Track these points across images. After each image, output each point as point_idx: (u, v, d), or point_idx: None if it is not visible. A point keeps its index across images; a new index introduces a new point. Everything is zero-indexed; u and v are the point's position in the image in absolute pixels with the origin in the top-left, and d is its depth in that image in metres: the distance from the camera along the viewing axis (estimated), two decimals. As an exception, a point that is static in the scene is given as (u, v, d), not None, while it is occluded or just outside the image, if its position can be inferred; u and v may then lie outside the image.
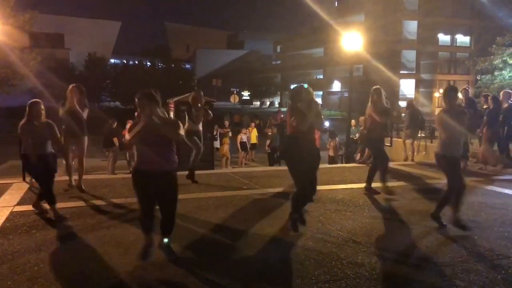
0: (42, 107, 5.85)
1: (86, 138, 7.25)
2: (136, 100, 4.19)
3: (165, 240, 4.42)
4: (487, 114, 10.05)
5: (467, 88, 11.57)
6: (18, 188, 7.27)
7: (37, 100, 5.92)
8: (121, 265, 4.25)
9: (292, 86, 6.98)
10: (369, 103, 7.26)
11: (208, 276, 4.11)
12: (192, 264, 4.35)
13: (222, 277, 4.10)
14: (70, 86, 7.13)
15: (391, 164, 10.44)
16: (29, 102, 5.85)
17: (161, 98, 4.33)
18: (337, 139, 15.51)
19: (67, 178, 7.30)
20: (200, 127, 7.87)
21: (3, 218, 5.65)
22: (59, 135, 6.06)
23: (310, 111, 5.18)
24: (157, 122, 4.14)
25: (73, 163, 7.39)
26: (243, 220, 5.75)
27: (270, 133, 17.38)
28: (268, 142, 17.22)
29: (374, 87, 7.37)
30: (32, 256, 4.47)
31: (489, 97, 10.39)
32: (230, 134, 18.21)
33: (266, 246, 4.85)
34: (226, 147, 17.27)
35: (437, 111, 5.72)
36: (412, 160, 11.35)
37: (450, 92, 5.51)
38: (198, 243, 4.96)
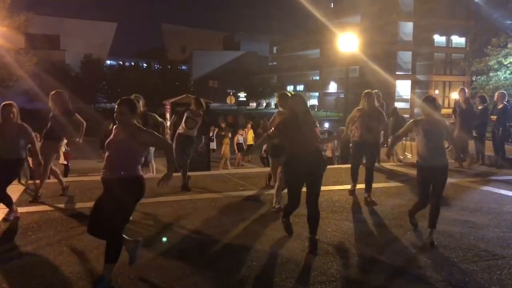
0: (14, 110, 5.61)
1: (58, 143, 6.90)
2: (116, 105, 3.96)
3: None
4: (459, 115, 10.21)
5: (464, 89, 11.62)
6: (13, 190, 7.19)
7: (9, 102, 5.70)
8: (117, 267, 4.23)
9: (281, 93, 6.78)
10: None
11: (204, 277, 4.11)
12: (189, 265, 4.35)
13: (218, 278, 4.10)
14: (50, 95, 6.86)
15: (387, 165, 10.48)
16: (1, 104, 5.65)
17: (142, 105, 4.09)
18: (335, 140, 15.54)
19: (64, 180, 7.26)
20: (194, 132, 7.57)
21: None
22: (33, 139, 5.79)
23: (304, 126, 4.81)
24: (131, 131, 3.92)
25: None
26: (239, 221, 5.75)
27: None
28: (264, 146, 16.78)
29: (366, 91, 7.01)
30: (28, 258, 4.46)
31: (458, 100, 10.68)
32: (230, 135, 18.06)
33: (262, 247, 4.84)
34: (226, 148, 17.07)
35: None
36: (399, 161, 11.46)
37: (427, 102, 5.22)
38: (194, 244, 4.95)
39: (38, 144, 6.10)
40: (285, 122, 4.96)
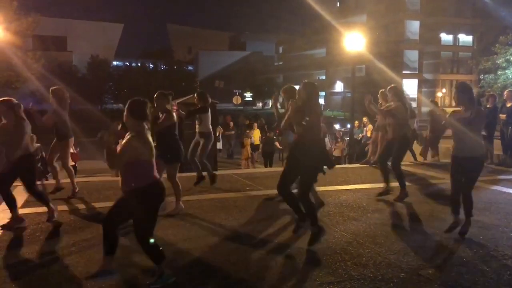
0: (3, 108, 5.36)
1: (67, 142, 6.96)
2: (126, 110, 3.97)
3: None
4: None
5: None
6: (22, 191, 7.25)
7: (3, 99, 5.50)
8: (124, 267, 4.24)
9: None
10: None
11: (210, 277, 4.11)
12: (194, 265, 4.34)
13: (224, 278, 4.09)
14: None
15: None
16: None
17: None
18: (346, 139, 15.66)
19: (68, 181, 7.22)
20: (203, 128, 7.50)
21: (6, 221, 5.64)
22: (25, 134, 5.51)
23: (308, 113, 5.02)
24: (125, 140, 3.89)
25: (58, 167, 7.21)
26: (246, 222, 5.74)
27: (263, 137, 16.38)
28: (260, 146, 16.31)
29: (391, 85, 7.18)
30: (36, 259, 4.48)
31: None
32: (250, 134, 17.72)
33: (269, 248, 4.83)
34: (248, 149, 16.70)
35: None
36: None
37: (462, 92, 5.14)
38: (201, 244, 4.94)
39: (34, 145, 5.98)
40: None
